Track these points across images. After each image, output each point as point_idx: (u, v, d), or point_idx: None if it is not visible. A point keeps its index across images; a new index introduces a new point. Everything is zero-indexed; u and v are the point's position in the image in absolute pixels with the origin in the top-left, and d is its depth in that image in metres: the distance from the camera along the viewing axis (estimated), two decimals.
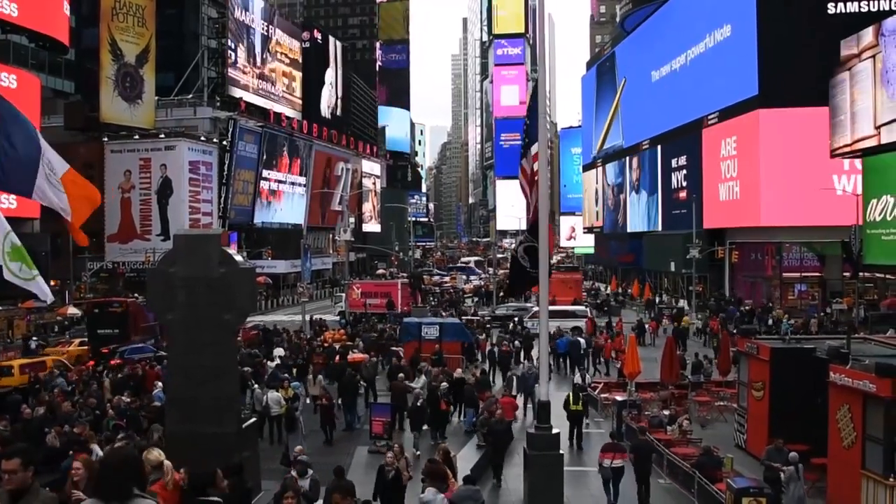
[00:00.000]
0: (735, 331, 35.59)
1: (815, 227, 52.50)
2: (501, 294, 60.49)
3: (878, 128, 42.81)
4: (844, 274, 53.05)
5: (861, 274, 49.25)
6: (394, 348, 36.16)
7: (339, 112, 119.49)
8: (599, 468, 19.10)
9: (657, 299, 65.56)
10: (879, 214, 44.94)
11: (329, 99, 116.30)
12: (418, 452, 21.67)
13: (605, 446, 19.38)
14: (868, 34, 43.76)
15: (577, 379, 27.83)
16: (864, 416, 17.01)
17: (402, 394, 25.62)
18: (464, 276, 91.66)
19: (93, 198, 13.02)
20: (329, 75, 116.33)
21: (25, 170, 11.62)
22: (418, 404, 23.74)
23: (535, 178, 17.32)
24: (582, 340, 37.57)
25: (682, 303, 61.51)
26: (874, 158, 45.05)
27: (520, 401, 27.27)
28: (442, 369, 29.56)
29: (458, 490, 14.44)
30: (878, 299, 50.87)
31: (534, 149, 17.13)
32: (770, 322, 46.63)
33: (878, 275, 50.29)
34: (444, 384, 26.16)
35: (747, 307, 51.55)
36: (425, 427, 23.80)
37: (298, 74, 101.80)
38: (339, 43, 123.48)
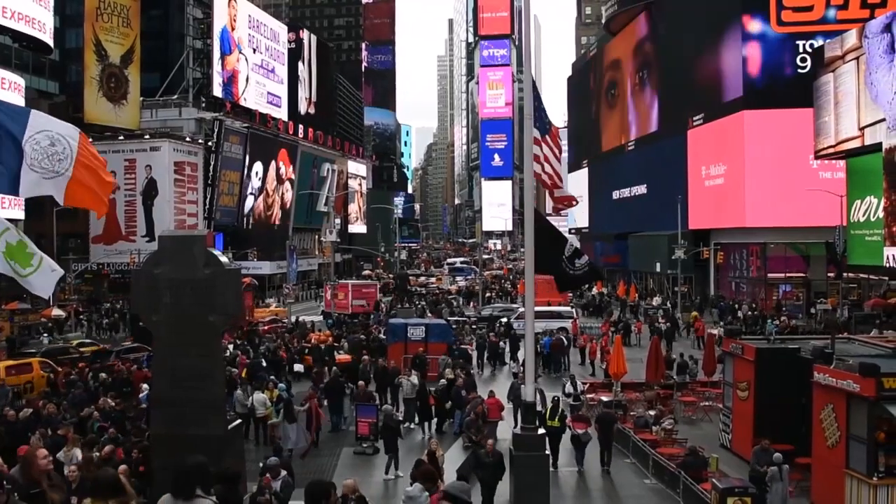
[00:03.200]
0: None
1: (800, 228, 52.76)
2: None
3: (861, 129, 43.09)
4: (829, 274, 53.35)
5: (845, 274, 49.53)
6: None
7: (312, 110, 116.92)
8: (570, 436, 22.14)
9: (643, 301, 65.72)
10: (863, 215, 45.21)
11: (303, 96, 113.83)
12: (400, 475, 20.48)
13: (573, 417, 22.72)
14: (852, 36, 44.04)
15: (569, 387, 27.17)
16: (847, 416, 17.10)
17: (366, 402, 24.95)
18: (458, 277, 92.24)
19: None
20: (301, 71, 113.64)
21: (8, 168, 11.51)
22: (380, 421, 22.17)
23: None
24: (564, 339, 38.30)
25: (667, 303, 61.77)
26: (858, 160, 45.33)
27: (509, 407, 26.88)
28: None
29: (450, 483, 14.38)
30: (861, 300, 51.18)
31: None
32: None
33: (861, 275, 50.57)
34: (442, 381, 26.33)
35: (753, 312, 51.41)
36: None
37: (284, 75, 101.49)
38: (314, 37, 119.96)
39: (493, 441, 18.07)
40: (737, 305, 54.40)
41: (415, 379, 27.10)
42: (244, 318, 52.58)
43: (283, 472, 14.90)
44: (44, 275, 12.79)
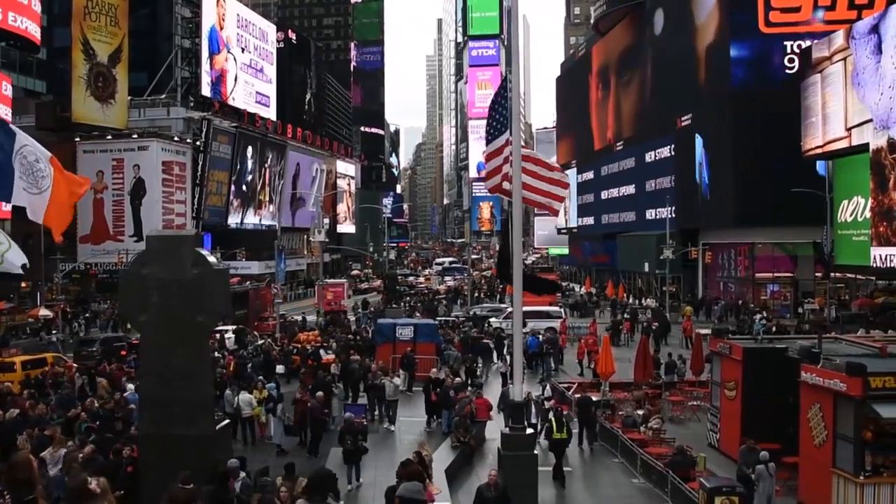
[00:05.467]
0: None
1: (788, 228, 52.91)
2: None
3: (849, 129, 43.30)
4: (816, 274, 53.54)
5: (832, 274, 49.71)
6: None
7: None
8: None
9: (630, 300, 65.78)
10: (850, 215, 45.41)
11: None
12: (361, 483, 19.81)
13: (556, 400, 24.66)
14: (839, 37, 44.23)
15: (538, 391, 26.76)
16: (834, 415, 17.16)
17: (319, 419, 23.55)
18: (447, 277, 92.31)
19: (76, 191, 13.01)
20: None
21: (3, 175, 11.59)
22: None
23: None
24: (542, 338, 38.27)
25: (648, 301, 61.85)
26: (845, 160, 45.55)
27: (499, 417, 26.56)
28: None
29: (403, 485, 14.23)
30: (849, 299, 51.38)
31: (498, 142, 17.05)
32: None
33: (849, 275, 50.77)
34: (458, 379, 26.57)
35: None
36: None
37: (272, 74, 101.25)
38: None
39: (496, 472, 16.09)
40: (740, 303, 54.42)
41: (397, 380, 27.04)
42: (264, 310, 53.39)
43: (242, 474, 14.79)
44: (14, 251, 12.96)
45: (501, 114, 17.05)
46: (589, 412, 24.35)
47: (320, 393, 24.31)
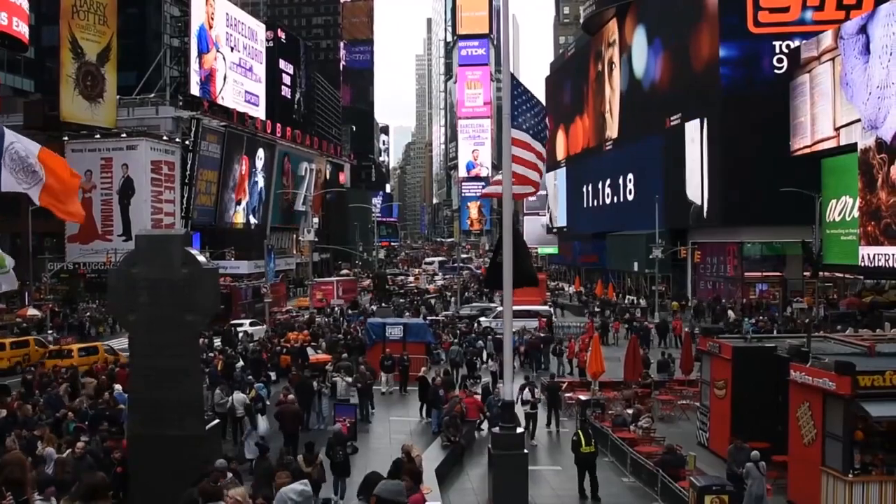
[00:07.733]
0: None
1: (777, 228, 53.04)
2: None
3: (837, 129, 43.46)
4: (805, 274, 53.69)
5: (821, 274, 49.86)
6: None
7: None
8: (521, 402, 24.10)
9: (623, 299, 65.83)
10: (839, 215, 45.57)
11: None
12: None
13: (522, 386, 25.09)
14: (827, 37, 44.39)
15: (527, 394, 26.24)
16: (823, 414, 17.19)
17: (294, 417, 22.58)
18: (438, 276, 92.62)
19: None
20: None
21: None
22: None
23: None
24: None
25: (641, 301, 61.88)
26: (833, 159, 45.69)
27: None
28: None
29: (382, 484, 14.14)
30: (837, 299, 51.54)
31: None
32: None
33: (837, 274, 50.93)
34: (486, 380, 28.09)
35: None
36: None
37: (262, 73, 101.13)
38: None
39: None
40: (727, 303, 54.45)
41: (349, 378, 27.00)
42: (278, 304, 53.98)
43: (230, 475, 14.74)
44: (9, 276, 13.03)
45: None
46: (556, 397, 26.39)
47: (291, 395, 23.90)
